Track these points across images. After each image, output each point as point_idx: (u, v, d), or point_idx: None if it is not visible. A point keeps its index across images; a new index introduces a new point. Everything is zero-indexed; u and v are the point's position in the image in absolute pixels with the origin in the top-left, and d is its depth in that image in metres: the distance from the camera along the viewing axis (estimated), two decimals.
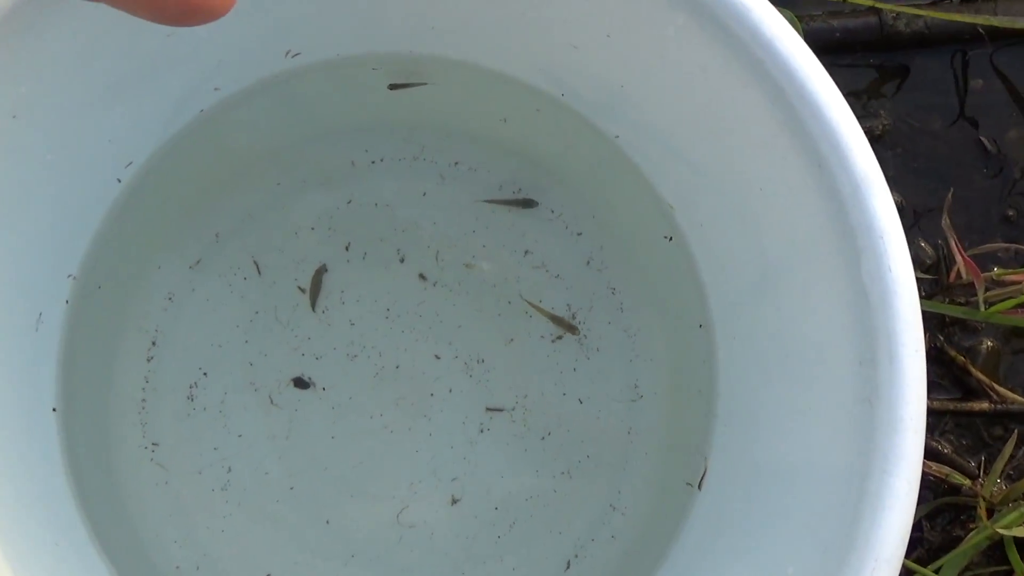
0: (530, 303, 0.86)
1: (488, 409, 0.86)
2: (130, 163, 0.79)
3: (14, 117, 0.63)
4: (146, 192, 0.82)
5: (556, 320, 0.84)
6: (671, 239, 0.84)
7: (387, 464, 0.86)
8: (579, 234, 0.89)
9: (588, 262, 0.88)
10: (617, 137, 0.82)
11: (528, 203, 0.87)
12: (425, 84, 0.81)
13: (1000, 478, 0.86)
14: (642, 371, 0.87)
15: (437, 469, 0.86)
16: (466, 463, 0.86)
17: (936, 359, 0.94)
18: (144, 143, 0.80)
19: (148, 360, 0.85)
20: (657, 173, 0.82)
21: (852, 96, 0.99)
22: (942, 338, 0.94)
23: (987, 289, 0.91)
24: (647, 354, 0.87)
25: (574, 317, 0.88)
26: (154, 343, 0.85)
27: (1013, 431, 0.90)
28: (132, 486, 0.84)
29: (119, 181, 0.79)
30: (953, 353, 0.95)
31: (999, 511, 0.83)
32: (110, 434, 0.83)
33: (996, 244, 0.93)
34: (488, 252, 0.88)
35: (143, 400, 0.84)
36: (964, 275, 0.91)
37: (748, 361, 0.77)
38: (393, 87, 0.81)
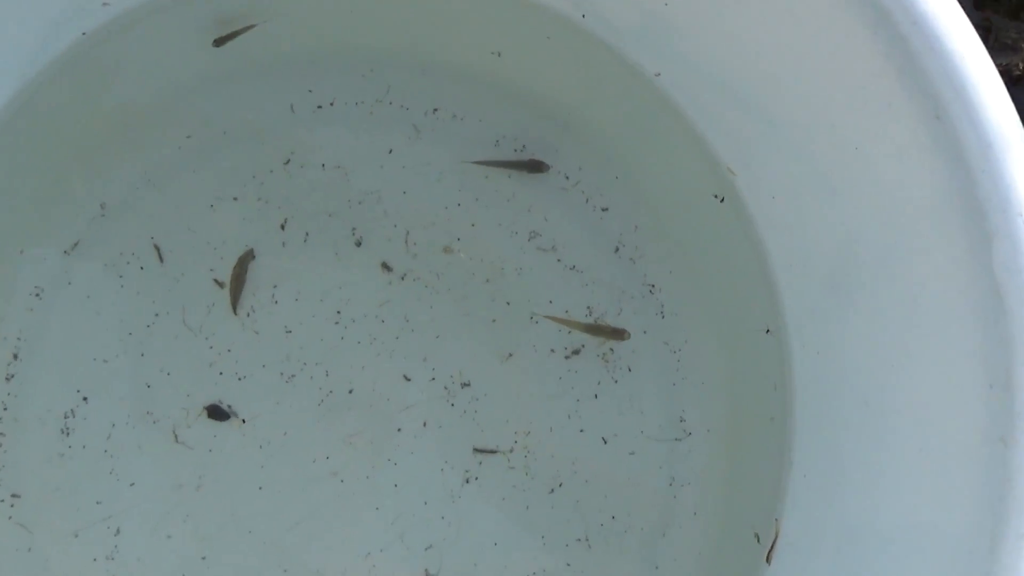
0: (554, 318, 0.85)
1: (477, 450, 0.85)
2: None
3: None
4: (5, 147, 0.83)
5: (592, 329, 0.82)
6: (730, 213, 0.83)
7: (336, 526, 0.85)
8: (605, 210, 0.88)
9: (617, 249, 0.88)
10: (658, 75, 0.81)
11: (535, 166, 0.86)
12: (252, 27, 0.80)
13: None
14: (690, 398, 0.86)
15: (405, 533, 0.85)
16: (445, 526, 0.85)
17: None
18: (5, 78, 0.79)
19: (7, 379, 0.84)
20: (713, 126, 0.81)
21: (982, 28, 0.99)
22: None
23: None
24: (697, 375, 0.87)
25: (597, 325, 0.87)
26: (16, 356, 0.84)
27: None
28: None
29: None
30: None
31: None
32: None
33: None
34: (479, 233, 0.87)
35: (0, 434, 0.83)
36: None
37: (834, 383, 0.76)
38: (219, 43, 0.81)
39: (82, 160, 0.85)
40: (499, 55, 0.84)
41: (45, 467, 0.82)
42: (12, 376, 0.84)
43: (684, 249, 0.87)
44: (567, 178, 0.88)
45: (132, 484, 0.82)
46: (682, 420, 0.85)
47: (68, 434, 0.82)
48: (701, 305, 0.87)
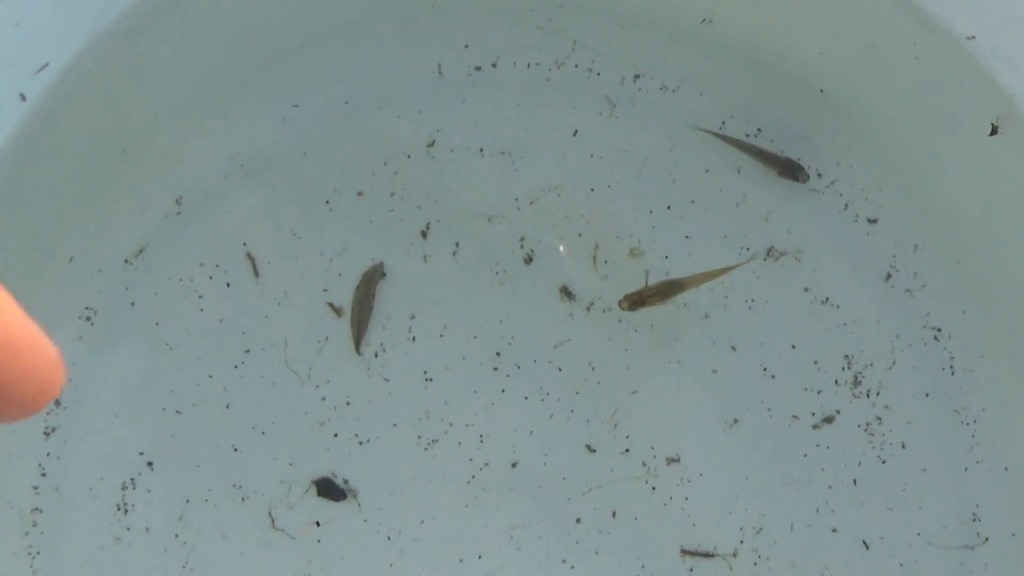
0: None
1: (686, 552, 0.78)
2: (45, 65, 0.70)
3: None
4: (53, 124, 0.73)
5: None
6: None
7: None
8: (873, 221, 0.80)
9: (888, 276, 0.80)
10: (972, 39, 0.73)
11: (790, 169, 0.78)
12: None
13: None
14: (988, 489, 0.78)
15: None
16: None
17: None
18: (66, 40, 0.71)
19: (46, 434, 0.78)
20: None
21: None
22: None
23: None
24: (999, 457, 0.78)
25: (857, 381, 0.79)
26: (58, 402, 0.78)
27: None
28: None
29: (23, 99, 0.70)
30: None
31: None
32: None
33: None
34: (695, 248, 0.79)
35: (34, 521, 0.77)
36: None
37: None
38: None
39: (150, 139, 0.78)
40: (710, 22, 0.78)
41: (94, 557, 0.77)
42: (53, 430, 0.77)
43: (985, 279, 0.79)
44: (820, 176, 0.79)
45: None
46: (976, 519, 0.78)
47: (126, 511, 0.77)
48: (1007, 358, 0.79)
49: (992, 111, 0.75)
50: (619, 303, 0.75)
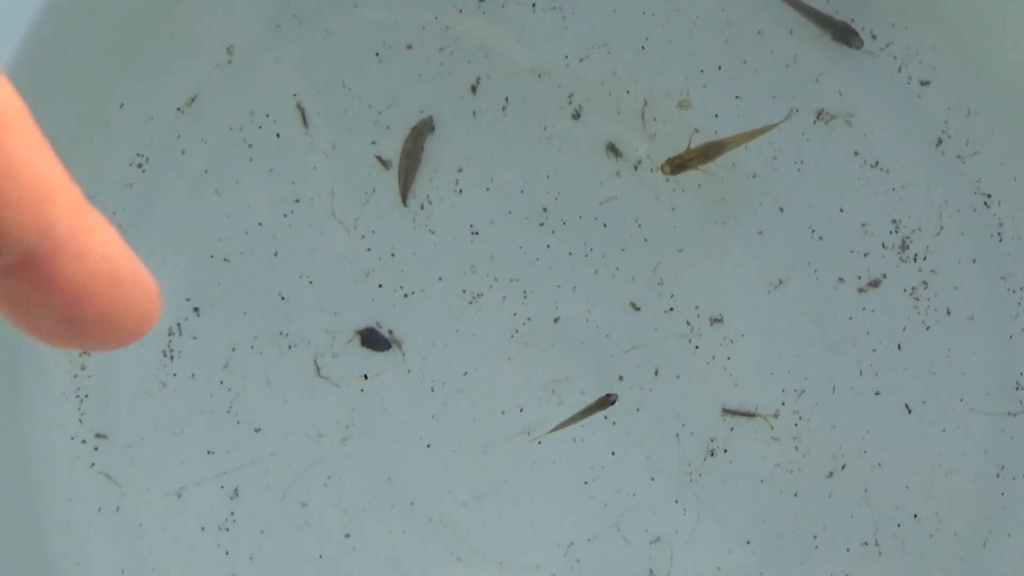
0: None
1: (727, 412, 0.79)
2: None
3: None
4: None
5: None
6: None
7: (527, 504, 0.80)
8: (925, 83, 0.79)
9: (940, 141, 0.79)
10: None
11: (845, 34, 0.77)
12: None
13: None
14: None
15: (623, 519, 0.80)
16: (678, 512, 0.79)
17: None
18: None
19: None
20: None
21: None
22: None
23: None
24: None
25: (904, 245, 0.79)
26: None
27: None
28: (59, 509, 0.78)
29: None
30: None
31: None
32: (25, 418, 0.78)
33: None
34: (744, 108, 0.79)
35: (83, 364, 0.78)
36: None
37: None
38: None
39: None
40: None
41: (141, 401, 0.78)
42: None
43: None
44: (875, 37, 0.78)
45: (257, 430, 0.78)
46: (1019, 388, 0.78)
47: (172, 358, 0.78)
48: None
49: None
50: (661, 167, 0.75)
